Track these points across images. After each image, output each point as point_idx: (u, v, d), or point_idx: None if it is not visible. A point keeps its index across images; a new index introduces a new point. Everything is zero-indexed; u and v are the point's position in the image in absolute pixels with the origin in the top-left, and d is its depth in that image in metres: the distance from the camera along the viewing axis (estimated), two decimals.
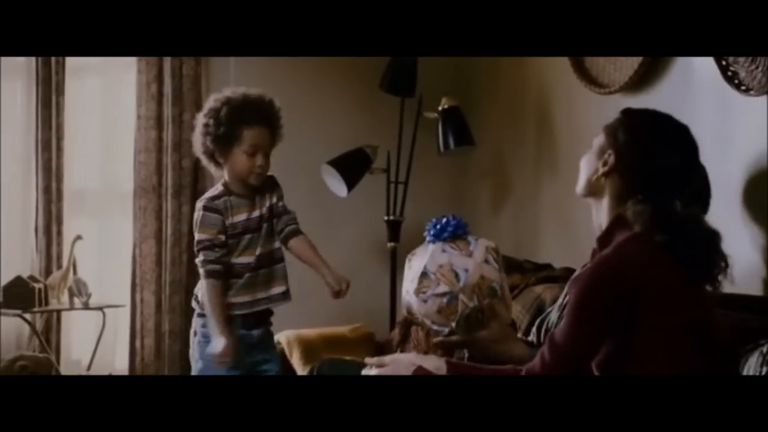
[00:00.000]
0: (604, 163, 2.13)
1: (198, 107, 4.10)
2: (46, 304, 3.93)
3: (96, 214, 4.33)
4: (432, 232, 2.49)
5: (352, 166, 4.05)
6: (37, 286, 3.87)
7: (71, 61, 4.12)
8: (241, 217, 2.84)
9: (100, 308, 4.06)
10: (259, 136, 2.83)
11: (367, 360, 2.31)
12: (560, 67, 3.74)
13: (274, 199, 2.91)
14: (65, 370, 4.04)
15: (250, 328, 2.86)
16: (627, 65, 3.39)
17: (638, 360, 1.96)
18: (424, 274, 2.41)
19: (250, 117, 2.82)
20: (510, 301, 2.55)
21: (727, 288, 2.13)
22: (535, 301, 3.28)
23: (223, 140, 2.81)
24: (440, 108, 4.12)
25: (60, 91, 4.10)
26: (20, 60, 4.07)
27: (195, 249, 2.84)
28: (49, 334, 4.09)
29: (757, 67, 2.86)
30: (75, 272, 4.06)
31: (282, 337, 3.76)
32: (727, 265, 2.03)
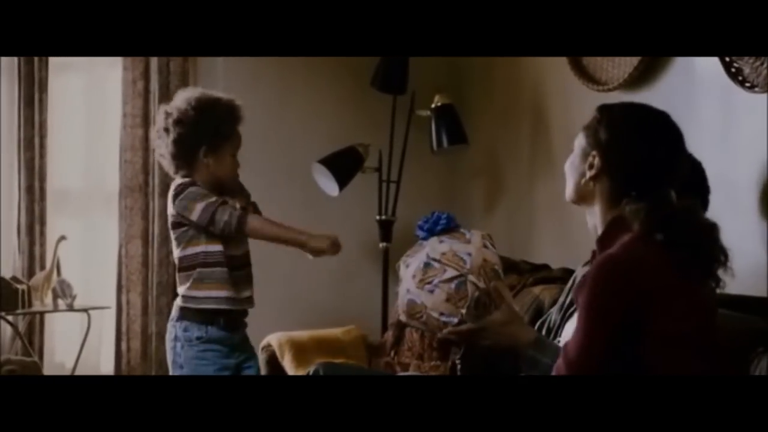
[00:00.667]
0: (590, 166, 2.06)
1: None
2: (30, 305, 3.90)
3: (80, 214, 4.30)
4: (426, 227, 2.45)
5: (344, 164, 4.02)
6: (20, 287, 3.85)
7: (55, 58, 4.10)
8: None
9: (85, 310, 4.02)
10: (240, 137, 2.93)
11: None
12: (556, 63, 3.70)
13: (245, 202, 2.92)
14: (48, 373, 4.00)
15: (232, 329, 2.90)
16: (626, 62, 3.36)
17: (643, 369, 1.90)
18: (427, 264, 2.36)
19: (239, 118, 2.90)
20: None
21: (734, 289, 2.09)
22: (534, 302, 3.23)
23: (218, 139, 2.82)
24: (433, 106, 4.10)
25: (43, 89, 4.08)
26: (2, 57, 4.03)
27: (203, 219, 2.78)
28: (31, 336, 4.06)
29: (762, 64, 2.82)
30: (59, 273, 4.03)
31: (273, 339, 3.72)
32: (727, 259, 1.97)
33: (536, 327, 2.79)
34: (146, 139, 4.12)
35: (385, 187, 4.17)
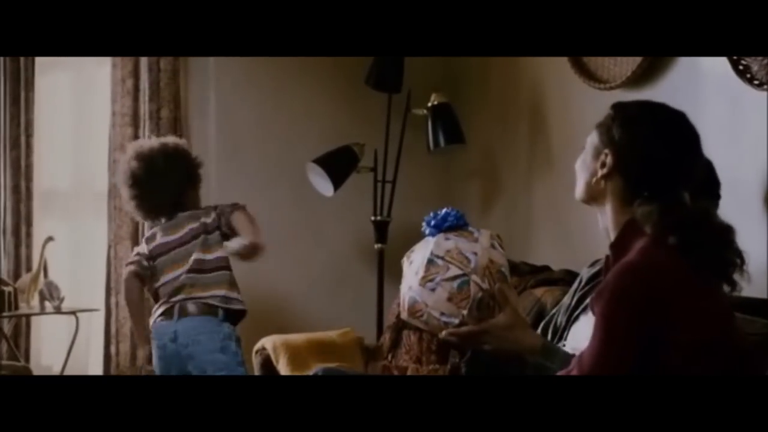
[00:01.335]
0: (602, 165, 2.01)
1: (176, 103, 4.10)
2: (16, 308, 3.88)
3: (68, 215, 4.27)
4: (432, 224, 2.38)
5: (339, 164, 3.99)
6: (6, 289, 3.82)
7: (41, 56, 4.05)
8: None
9: (73, 312, 3.99)
10: None
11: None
12: (555, 61, 3.67)
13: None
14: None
15: None
16: (628, 59, 3.32)
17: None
18: (430, 261, 2.28)
19: None
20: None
21: (748, 292, 2.04)
22: (536, 305, 3.18)
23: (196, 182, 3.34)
24: (429, 104, 4.06)
25: (29, 87, 4.05)
26: None
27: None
28: (17, 339, 4.03)
29: None
30: (46, 275, 4.00)
31: (267, 342, 3.67)
32: (743, 262, 1.92)
33: (540, 329, 2.74)
34: (136, 137, 4.06)
35: (380, 188, 4.14)
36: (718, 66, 2.94)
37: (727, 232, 1.93)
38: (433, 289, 2.28)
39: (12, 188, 3.97)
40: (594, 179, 2.02)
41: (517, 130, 4.06)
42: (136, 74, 4.10)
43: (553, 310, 2.79)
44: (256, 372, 3.61)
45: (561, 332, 2.53)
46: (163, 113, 4.06)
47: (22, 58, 3.96)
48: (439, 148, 4.06)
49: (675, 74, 3.19)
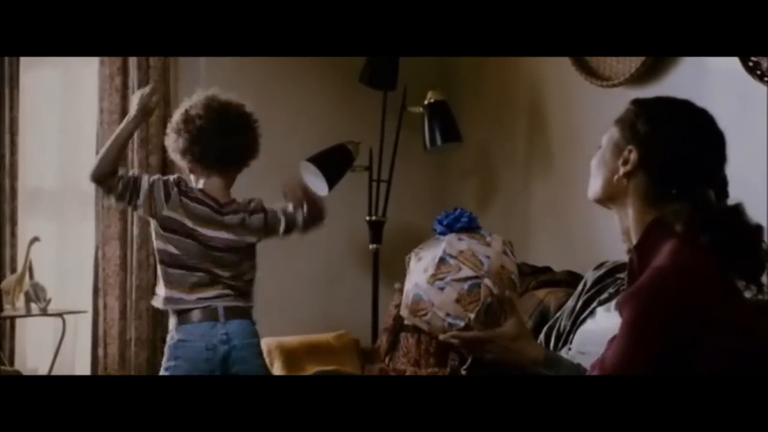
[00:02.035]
0: (625, 162, 1.93)
1: (166, 101, 4.02)
2: (1, 310, 3.84)
3: (55, 215, 4.20)
4: (445, 222, 2.31)
5: (334, 163, 3.96)
6: None
7: None
8: None
9: (60, 314, 3.93)
10: None
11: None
12: (554, 58, 3.63)
13: None
14: None
15: None
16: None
17: None
18: (442, 260, 2.22)
19: None
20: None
21: None
22: (538, 307, 3.13)
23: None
24: (426, 102, 4.03)
25: (14, 84, 3.98)
26: None
27: None
28: (1, 341, 3.96)
29: None
30: (32, 276, 3.93)
31: (262, 345, 3.55)
32: None
33: (543, 334, 2.68)
34: None
35: (375, 187, 4.11)
36: (726, 62, 2.89)
37: (758, 232, 1.86)
38: (441, 288, 2.21)
39: None
40: (615, 177, 1.94)
41: (515, 128, 4.02)
42: (124, 71, 4.03)
43: (557, 314, 2.74)
44: None
45: (566, 337, 2.47)
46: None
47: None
48: (436, 147, 4.03)
49: (680, 71, 3.16)
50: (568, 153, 3.69)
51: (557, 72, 3.68)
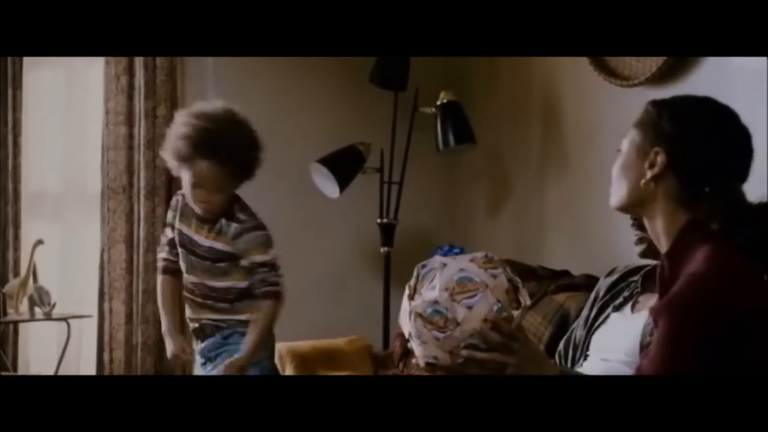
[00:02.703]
0: (651, 165, 1.86)
1: (173, 101, 4.02)
2: (4, 314, 3.84)
3: (59, 217, 4.22)
4: (442, 254, 2.28)
5: (345, 164, 3.90)
6: None
7: None
8: None
9: (65, 319, 3.93)
10: None
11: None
12: (571, 57, 3.55)
13: None
14: None
15: None
16: None
17: None
18: (467, 279, 2.14)
19: None
20: None
21: None
22: (558, 311, 3.06)
23: None
24: (438, 103, 3.97)
25: (17, 85, 4.00)
26: None
27: None
28: (4, 346, 3.98)
29: None
30: (36, 280, 3.93)
31: None
32: None
33: (561, 346, 2.62)
34: (130, 137, 3.98)
35: (386, 189, 4.05)
36: (750, 62, 2.82)
37: None
38: (469, 307, 2.15)
39: None
40: (642, 181, 1.87)
41: (529, 128, 3.96)
42: (130, 71, 3.98)
43: (573, 326, 2.68)
44: None
45: (582, 347, 2.41)
46: (160, 112, 3.95)
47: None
48: (449, 148, 3.97)
49: (703, 70, 3.09)
50: (585, 154, 3.63)
51: (572, 71, 3.62)
